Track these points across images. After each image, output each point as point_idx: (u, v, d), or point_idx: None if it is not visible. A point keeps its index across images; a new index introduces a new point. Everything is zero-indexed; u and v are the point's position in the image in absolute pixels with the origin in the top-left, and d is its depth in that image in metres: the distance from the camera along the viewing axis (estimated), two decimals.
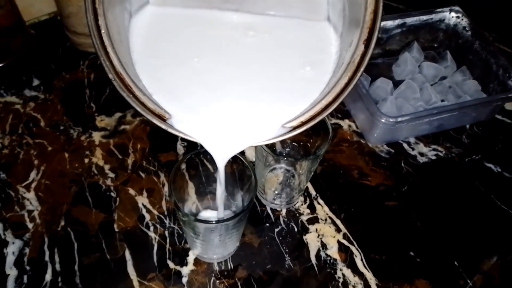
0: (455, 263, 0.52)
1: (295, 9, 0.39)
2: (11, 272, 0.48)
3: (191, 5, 0.39)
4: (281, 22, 0.39)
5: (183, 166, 0.44)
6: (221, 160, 0.37)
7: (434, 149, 0.62)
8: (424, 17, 0.69)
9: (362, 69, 0.33)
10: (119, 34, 0.34)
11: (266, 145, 0.53)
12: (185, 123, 0.34)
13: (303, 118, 0.34)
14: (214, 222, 0.39)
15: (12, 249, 0.49)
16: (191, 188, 0.49)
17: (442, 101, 0.64)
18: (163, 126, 0.33)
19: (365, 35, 0.33)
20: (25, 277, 0.47)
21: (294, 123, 0.34)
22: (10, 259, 0.48)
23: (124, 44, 0.35)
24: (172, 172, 0.42)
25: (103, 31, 0.31)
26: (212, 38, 0.38)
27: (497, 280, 0.51)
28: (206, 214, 0.50)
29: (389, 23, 0.68)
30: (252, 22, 0.39)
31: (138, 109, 0.32)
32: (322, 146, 0.48)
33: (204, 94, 0.36)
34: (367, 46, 0.33)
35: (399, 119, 0.55)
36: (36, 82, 0.65)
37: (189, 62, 0.37)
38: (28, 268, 0.48)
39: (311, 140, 0.52)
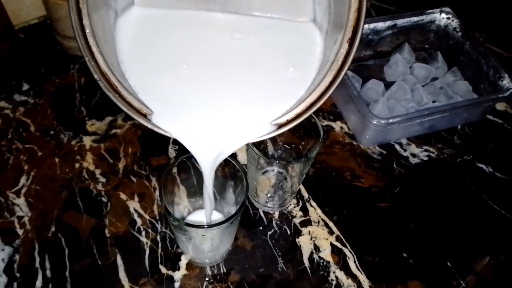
0: (448, 263, 0.52)
1: (281, 11, 0.39)
2: (1, 279, 0.47)
3: (177, 6, 0.39)
4: (267, 23, 0.39)
5: (174, 170, 0.44)
6: (205, 163, 0.37)
7: (426, 150, 0.62)
8: (415, 18, 0.69)
9: (346, 67, 0.33)
10: (104, 33, 0.34)
11: (257, 148, 0.53)
12: (170, 122, 0.34)
13: (289, 116, 0.34)
14: (205, 226, 0.38)
15: (2, 256, 0.48)
16: (182, 192, 0.48)
17: (433, 102, 0.64)
18: (149, 126, 0.33)
19: (349, 34, 0.33)
20: (15, 284, 0.47)
21: (280, 121, 0.34)
22: (0, 266, 0.48)
23: (110, 43, 0.35)
24: (163, 176, 0.41)
25: (87, 31, 0.31)
26: (199, 40, 0.38)
27: (489, 280, 0.51)
28: (197, 215, 0.50)
29: (380, 25, 0.68)
30: (239, 23, 0.39)
31: (123, 108, 0.32)
32: (313, 148, 0.48)
33: (189, 95, 0.36)
34: (351, 45, 0.33)
35: (391, 120, 0.55)
36: (25, 86, 0.64)
37: (176, 65, 0.37)
38: (18, 275, 0.47)
39: (303, 143, 0.52)
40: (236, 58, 0.37)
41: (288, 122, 0.34)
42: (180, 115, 0.35)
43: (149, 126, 0.33)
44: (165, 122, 0.34)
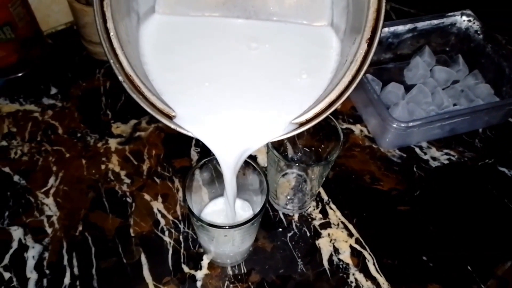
0: (469, 267, 0.51)
1: (298, 15, 0.40)
2: (32, 275, 0.49)
3: (196, 14, 0.40)
4: (283, 29, 0.40)
5: (197, 172, 0.45)
6: (226, 164, 0.38)
7: (446, 153, 0.62)
8: (436, 21, 0.69)
9: (365, 67, 0.34)
10: (128, 35, 0.35)
11: (277, 151, 0.54)
12: (193, 123, 0.35)
13: (307, 116, 0.34)
14: (227, 227, 0.39)
15: (32, 253, 0.51)
16: (204, 193, 0.50)
17: (454, 105, 0.64)
18: (172, 126, 0.34)
19: (368, 34, 0.33)
20: (44, 281, 0.49)
21: (299, 120, 0.35)
22: (31, 263, 0.50)
23: (133, 45, 0.36)
24: (187, 177, 0.43)
25: (112, 33, 0.32)
26: (218, 49, 0.39)
27: (511, 285, 0.51)
28: (217, 204, 0.51)
29: (400, 28, 0.68)
30: (255, 30, 0.40)
31: (147, 109, 0.33)
32: (333, 151, 0.49)
33: (210, 99, 0.37)
34: (370, 45, 0.33)
35: (411, 123, 0.55)
36: (53, 90, 0.67)
37: (197, 72, 0.38)
38: (47, 272, 0.49)
39: (323, 146, 0.53)
40: (252, 66, 0.38)
41: (307, 121, 0.35)
42: (202, 117, 0.36)
43: (172, 126, 0.34)
44: (187, 123, 0.35)
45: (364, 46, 0.33)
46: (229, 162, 0.38)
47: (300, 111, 0.35)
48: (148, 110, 0.33)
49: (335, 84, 0.34)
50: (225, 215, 0.48)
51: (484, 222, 0.55)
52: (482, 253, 0.53)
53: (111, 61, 0.32)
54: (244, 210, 0.50)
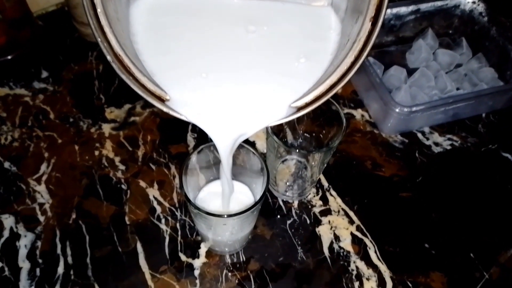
0: (471, 255, 0.51)
1: None
2: (24, 265, 0.48)
3: None
4: (281, 9, 0.38)
5: (194, 158, 0.43)
6: (222, 147, 0.36)
7: (449, 139, 0.60)
8: (439, 3, 0.67)
9: (368, 48, 0.32)
10: (116, 12, 0.33)
11: (277, 136, 0.52)
12: (187, 106, 0.33)
13: (307, 99, 0.33)
14: (225, 216, 0.38)
15: (25, 242, 0.49)
16: (201, 178, 0.48)
17: (457, 89, 0.62)
18: (165, 109, 0.32)
19: (372, 12, 0.31)
20: (37, 270, 0.47)
21: (298, 104, 0.33)
22: (23, 252, 0.48)
23: (122, 23, 0.34)
24: (183, 164, 0.41)
25: (99, 10, 0.30)
26: (215, 32, 0.37)
27: None
28: (214, 186, 0.49)
29: (402, 9, 0.66)
30: (253, 12, 0.38)
31: (138, 91, 0.31)
32: (335, 137, 0.47)
33: (206, 81, 0.35)
34: (374, 24, 0.31)
35: (414, 108, 0.54)
36: (44, 74, 0.65)
37: (192, 54, 0.36)
38: (40, 261, 0.48)
39: (324, 131, 0.51)
40: (249, 49, 0.36)
41: (307, 105, 0.33)
42: (197, 100, 0.34)
43: (165, 109, 0.32)
44: (181, 107, 0.33)
45: (367, 25, 0.32)
46: (225, 146, 0.36)
47: (299, 95, 0.34)
48: (139, 92, 0.31)
49: (336, 66, 0.33)
50: (221, 198, 0.47)
51: (487, 209, 0.54)
52: (484, 240, 0.52)
53: (99, 39, 0.30)
54: (243, 194, 0.48)
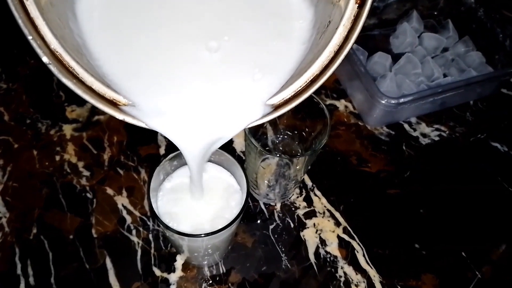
0: (463, 253, 0.48)
1: None
2: None
3: None
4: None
5: (164, 168, 0.39)
6: (192, 158, 0.31)
7: (437, 129, 0.57)
8: None
9: (355, 34, 0.27)
10: None
11: (256, 133, 0.48)
12: (147, 112, 0.28)
13: (285, 95, 0.28)
14: (203, 235, 0.34)
15: None
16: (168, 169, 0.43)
17: (444, 75, 0.59)
18: (120, 116, 0.27)
19: None
20: None
21: (275, 101, 0.28)
22: None
23: (59, 8, 0.28)
24: (151, 177, 0.36)
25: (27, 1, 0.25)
26: (173, 21, 0.32)
27: (506, 269, 0.48)
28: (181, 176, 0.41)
29: None
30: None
31: (85, 96, 0.26)
32: (320, 135, 0.43)
33: (166, 81, 0.30)
34: (361, 5, 0.27)
35: (401, 100, 0.50)
36: None
37: (149, 47, 0.31)
38: None
39: (307, 127, 0.47)
40: (213, 44, 0.32)
41: (286, 102, 0.28)
42: (158, 104, 0.29)
43: (120, 117, 0.27)
44: (140, 113, 0.28)
45: (353, 7, 0.27)
46: (194, 156, 0.31)
47: (274, 90, 0.29)
48: (86, 97, 0.26)
49: (317, 56, 0.28)
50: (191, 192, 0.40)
51: (477, 203, 0.52)
52: (476, 237, 0.50)
53: (29, 37, 0.25)
54: (219, 173, 0.41)
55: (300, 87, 0.28)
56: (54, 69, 0.25)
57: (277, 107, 0.29)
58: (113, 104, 0.27)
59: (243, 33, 0.33)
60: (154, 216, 0.35)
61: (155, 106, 0.29)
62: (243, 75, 0.31)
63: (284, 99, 0.28)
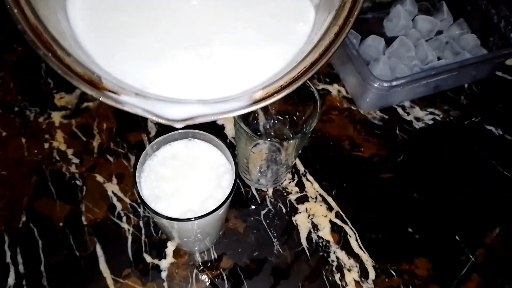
0: (456, 237, 0.48)
1: None
2: None
3: None
4: None
5: (151, 154, 0.38)
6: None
7: (431, 113, 0.57)
8: None
9: (355, 14, 0.27)
10: None
11: (246, 119, 0.47)
12: (131, 94, 0.27)
13: (282, 82, 0.27)
14: (193, 218, 0.33)
15: None
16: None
17: (438, 58, 0.58)
18: (103, 99, 0.25)
19: None
20: None
21: (268, 90, 0.27)
22: None
23: None
24: (138, 163, 0.36)
25: None
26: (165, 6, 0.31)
27: (500, 253, 0.48)
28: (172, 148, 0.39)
29: None
30: None
31: (67, 78, 0.25)
32: (310, 119, 0.43)
33: (157, 60, 0.29)
34: None
35: (394, 83, 0.49)
36: None
37: (136, 24, 0.30)
38: None
39: (298, 111, 0.47)
40: (208, 19, 0.31)
41: (282, 88, 0.27)
42: (146, 83, 0.28)
43: (108, 102, 0.25)
44: (126, 95, 0.26)
45: None
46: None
47: (271, 75, 0.29)
48: (67, 78, 0.25)
49: (317, 39, 0.28)
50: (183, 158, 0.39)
51: (471, 187, 0.52)
52: (469, 221, 0.49)
53: (8, 6, 0.24)
54: (209, 151, 0.39)
55: (299, 73, 0.27)
56: (48, 60, 0.24)
57: (272, 94, 0.27)
58: (94, 85, 0.26)
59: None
60: (143, 203, 0.34)
61: (142, 86, 0.28)
62: (240, 61, 0.31)
63: (281, 85, 0.27)
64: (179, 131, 0.38)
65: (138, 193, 0.34)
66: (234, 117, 0.42)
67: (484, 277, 0.46)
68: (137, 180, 0.35)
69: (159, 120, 0.26)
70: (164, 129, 0.37)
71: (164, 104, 0.27)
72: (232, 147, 0.51)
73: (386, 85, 0.49)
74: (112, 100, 0.26)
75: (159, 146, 0.38)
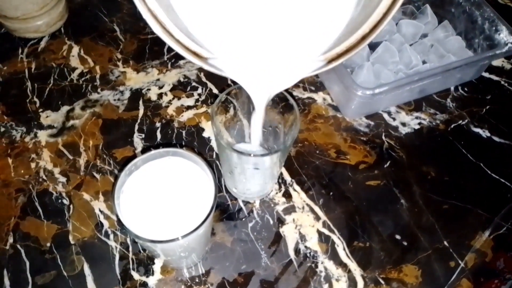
0: (445, 243, 0.48)
1: None
2: None
3: None
4: None
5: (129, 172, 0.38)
6: (258, 100, 0.37)
7: (417, 117, 0.57)
8: None
9: None
10: None
11: (232, 130, 0.48)
12: (225, 62, 0.33)
13: (338, 50, 0.32)
14: (176, 239, 0.33)
15: None
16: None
17: (423, 62, 0.58)
18: (205, 66, 0.32)
19: None
20: None
21: (330, 55, 0.32)
22: None
23: None
24: (114, 186, 0.36)
25: None
26: None
27: (490, 257, 0.47)
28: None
29: None
30: None
31: (180, 51, 0.31)
32: (292, 131, 0.43)
33: (241, 36, 0.34)
34: None
35: (377, 90, 0.49)
36: None
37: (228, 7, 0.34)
38: None
39: (279, 125, 0.47)
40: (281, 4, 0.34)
41: (338, 56, 0.32)
42: (234, 55, 0.34)
43: (206, 67, 0.33)
44: (220, 62, 0.33)
45: None
46: (261, 99, 0.37)
47: (328, 46, 0.33)
48: (180, 51, 0.31)
49: (369, 13, 0.30)
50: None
51: (460, 191, 0.51)
52: (458, 225, 0.49)
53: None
54: (191, 167, 0.40)
55: (351, 44, 0.31)
56: (153, 24, 0.29)
57: (331, 60, 0.32)
58: (199, 56, 0.31)
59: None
60: (120, 224, 0.34)
61: (232, 57, 0.34)
62: (304, 35, 0.34)
63: (337, 53, 0.32)
64: (160, 149, 0.38)
65: (117, 216, 0.34)
66: (214, 134, 0.42)
67: (474, 282, 0.46)
68: (116, 202, 0.35)
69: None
70: (150, 145, 0.37)
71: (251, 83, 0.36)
72: (218, 160, 0.51)
73: (369, 92, 0.49)
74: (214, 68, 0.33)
75: (138, 166, 0.38)
